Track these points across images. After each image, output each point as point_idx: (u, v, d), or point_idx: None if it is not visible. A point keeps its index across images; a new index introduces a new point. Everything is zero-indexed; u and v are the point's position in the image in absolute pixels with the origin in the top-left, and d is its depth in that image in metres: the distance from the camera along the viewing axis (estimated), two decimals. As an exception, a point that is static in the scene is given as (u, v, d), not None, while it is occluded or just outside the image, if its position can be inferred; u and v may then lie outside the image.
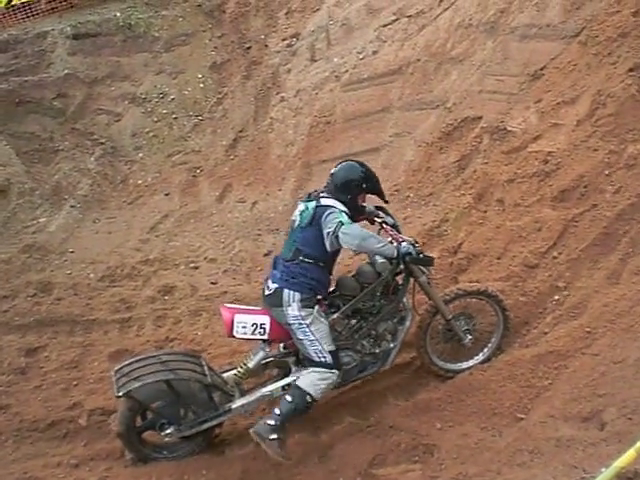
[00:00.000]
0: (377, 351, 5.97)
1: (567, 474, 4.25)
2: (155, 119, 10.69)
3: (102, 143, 10.36)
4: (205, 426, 5.73)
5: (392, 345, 5.98)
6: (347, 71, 9.90)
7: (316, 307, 5.53)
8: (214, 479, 5.60)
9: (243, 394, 5.85)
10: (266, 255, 8.49)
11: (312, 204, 5.51)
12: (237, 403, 5.78)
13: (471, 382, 6.02)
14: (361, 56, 9.93)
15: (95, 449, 6.06)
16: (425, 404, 6.02)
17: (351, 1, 10.79)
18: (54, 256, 8.71)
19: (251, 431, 5.52)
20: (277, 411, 5.52)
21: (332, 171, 5.69)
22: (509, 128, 7.99)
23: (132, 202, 9.89)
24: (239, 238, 8.95)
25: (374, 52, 9.86)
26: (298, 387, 5.54)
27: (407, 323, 5.98)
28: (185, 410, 5.68)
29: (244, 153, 10.05)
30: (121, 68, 10.96)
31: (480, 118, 8.34)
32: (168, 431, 5.69)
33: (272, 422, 5.48)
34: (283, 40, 11.10)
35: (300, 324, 5.50)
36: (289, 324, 5.53)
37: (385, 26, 10.10)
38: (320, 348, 5.52)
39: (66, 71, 10.64)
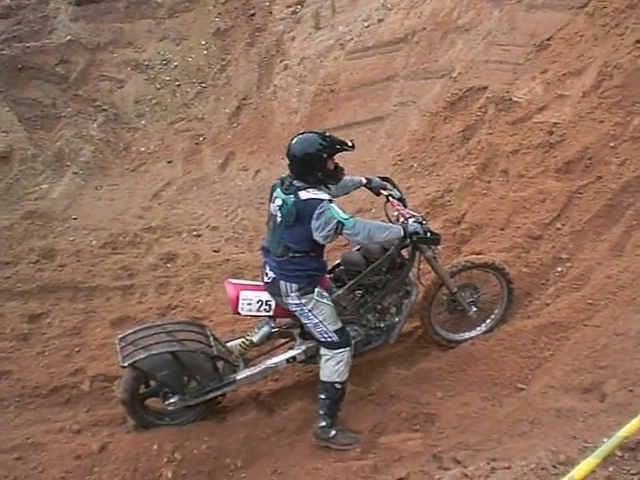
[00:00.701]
0: (382, 325, 5.97)
1: (567, 444, 4.25)
2: (158, 86, 10.63)
3: (105, 110, 10.31)
4: (209, 396, 5.75)
5: (397, 319, 5.97)
6: (352, 39, 9.82)
7: (316, 290, 5.43)
8: (216, 446, 5.62)
9: (247, 365, 5.86)
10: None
11: (291, 199, 5.17)
12: (242, 374, 5.79)
13: (472, 352, 6.04)
14: (366, 24, 9.84)
15: (97, 415, 6.08)
16: (426, 373, 6.04)
17: (357, -32, 10.68)
18: (56, 223, 8.71)
19: (314, 440, 5.60)
20: (321, 411, 5.58)
21: (287, 152, 5.31)
22: (514, 98, 7.94)
23: (135, 169, 9.86)
24: (242, 206, 8.94)
25: (379, 20, 9.78)
26: (323, 382, 5.54)
27: (412, 297, 5.94)
28: (189, 380, 5.69)
29: (247, 121, 10.00)
30: (124, 34, 10.88)
31: (485, 88, 8.29)
32: (172, 400, 5.69)
33: (324, 423, 5.56)
34: (287, 7, 11.00)
35: (302, 310, 5.46)
36: (292, 310, 5.52)
37: (391, -6, 10.01)
38: (325, 329, 5.47)
39: (69, 37, 10.56)
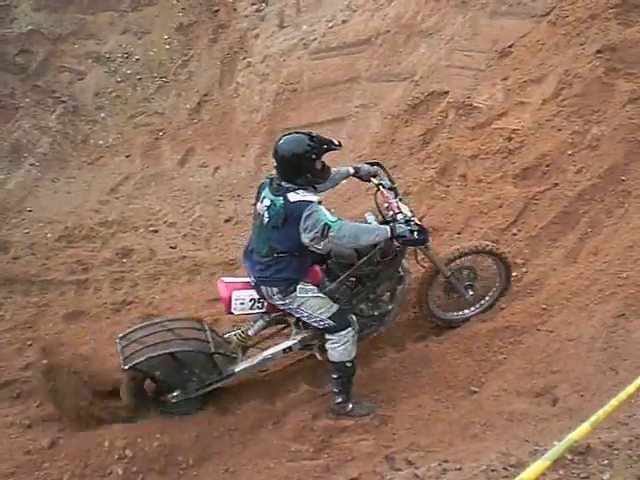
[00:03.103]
0: (376, 313, 6.03)
1: (518, 447, 4.30)
2: (119, 79, 10.49)
3: (64, 101, 10.13)
4: (210, 388, 5.88)
5: (390, 307, 6.05)
6: (316, 39, 9.80)
7: (298, 287, 5.46)
8: (168, 443, 5.59)
9: (245, 354, 5.97)
10: (227, 221, 8.45)
11: (279, 201, 5.18)
12: (240, 366, 5.89)
13: (427, 354, 6.08)
14: (330, 25, 9.83)
15: (48, 410, 5.99)
16: (381, 374, 6.07)
17: (323, -32, 10.68)
18: (11, 214, 8.56)
19: (329, 416, 5.72)
20: (335, 390, 5.70)
21: (274, 153, 5.29)
22: (475, 104, 8.00)
23: (92, 162, 9.71)
24: (200, 203, 8.87)
25: (344, 21, 9.77)
26: (333, 362, 5.62)
27: (406, 283, 6.00)
28: (189, 376, 5.80)
29: (208, 117, 9.91)
30: (86, 26, 10.70)
31: (447, 93, 8.33)
32: (174, 394, 5.81)
33: (339, 399, 5.70)
34: (252, 5, 10.92)
35: (290, 308, 5.54)
36: (282, 309, 5.61)
37: (356, -5, 10.02)
38: (319, 319, 5.53)
39: (30, 27, 10.36)
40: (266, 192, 5.33)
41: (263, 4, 10.89)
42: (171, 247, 8.16)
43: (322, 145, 5.28)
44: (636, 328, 5.37)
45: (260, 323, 5.87)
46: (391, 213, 5.60)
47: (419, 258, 5.98)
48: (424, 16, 9.15)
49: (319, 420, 5.74)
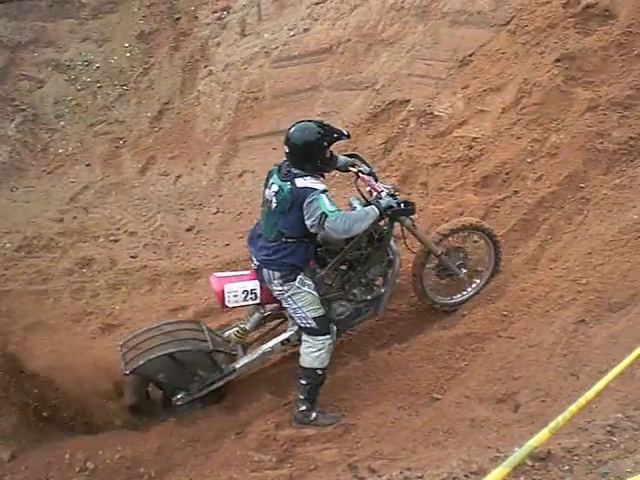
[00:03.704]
0: (369, 297, 6.08)
1: (480, 454, 4.31)
2: (79, 87, 10.38)
3: (23, 110, 10.01)
4: (213, 387, 5.97)
5: (383, 290, 6.09)
6: (277, 47, 9.79)
7: (298, 277, 5.54)
8: (130, 455, 5.53)
9: (245, 351, 6.06)
10: (188, 230, 8.40)
11: (287, 186, 5.34)
12: (240, 362, 5.96)
13: (389, 362, 6.09)
14: (292, 33, 9.83)
15: (10, 422, 5.89)
16: (343, 382, 6.07)
17: (284, -23, 10.68)
18: (-31, 224, 8.44)
19: (293, 425, 5.72)
20: (301, 396, 5.71)
21: (286, 140, 5.44)
22: (436, 112, 8.05)
23: (52, 171, 9.60)
24: (161, 212, 8.80)
25: (305, 30, 9.78)
26: (304, 368, 5.66)
27: (396, 266, 6.03)
28: (192, 376, 5.89)
29: (169, 126, 9.85)
30: (46, 34, 10.59)
31: (408, 101, 8.37)
32: (179, 396, 5.91)
33: (304, 407, 5.70)
34: (213, 13, 10.88)
35: (283, 295, 5.59)
36: (275, 295, 5.67)
37: (317, 4, 10.00)
38: (304, 315, 5.59)
39: (-11, 35, 10.27)
40: (274, 178, 5.50)
41: (224, 12, 10.85)
42: (132, 256, 8.09)
43: (333, 134, 5.51)
44: (596, 334, 5.41)
45: (256, 316, 5.97)
46: (375, 194, 5.74)
47: (408, 242, 6.07)
48: (385, 25, 9.19)
49: (282, 430, 5.70)
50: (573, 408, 2.77)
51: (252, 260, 5.74)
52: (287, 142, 5.41)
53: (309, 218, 5.28)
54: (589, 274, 5.93)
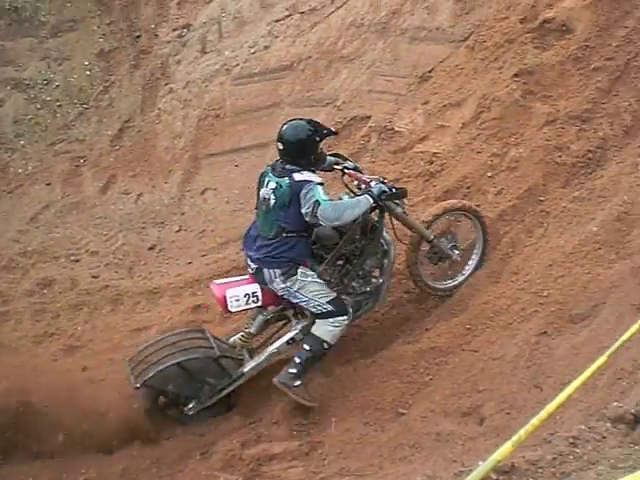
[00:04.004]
0: (368, 289, 6.20)
1: (446, 468, 4.31)
2: (38, 106, 10.27)
3: (-19, 129, 9.92)
4: (223, 393, 6.04)
5: (381, 280, 6.20)
6: (238, 65, 9.79)
7: (299, 271, 5.70)
8: (94, 478, 5.48)
9: (252, 355, 6.13)
10: (150, 249, 8.33)
11: (285, 181, 5.59)
12: (248, 366, 6.04)
13: (354, 378, 6.07)
14: (253, 50, 9.84)
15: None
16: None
17: (245, -6, 10.70)
18: None
19: (275, 380, 5.77)
20: (297, 359, 5.78)
21: (279, 139, 5.71)
22: (396, 128, 8.08)
23: (12, 191, 9.47)
24: (123, 231, 8.71)
25: (266, 47, 9.79)
26: (314, 336, 5.80)
27: (391, 255, 6.18)
28: (201, 384, 5.95)
29: (130, 144, 9.78)
30: (5, 52, 10.47)
31: (369, 117, 8.40)
32: (190, 406, 5.99)
33: (294, 370, 5.76)
34: (174, 30, 10.86)
35: (289, 292, 5.73)
36: (281, 294, 5.80)
37: (278, 21, 10.03)
38: (317, 303, 5.73)
39: (-53, 53, 10.14)
40: (270, 177, 5.73)
41: (185, 30, 10.84)
42: (93, 276, 8.01)
43: (322, 130, 5.84)
44: (558, 345, 5.46)
45: (260, 319, 6.05)
46: (363, 186, 5.94)
47: (398, 234, 6.23)
48: (345, 42, 9.23)
49: (248, 449, 5.68)
50: (535, 421, 2.78)
51: (249, 265, 5.86)
52: (281, 140, 5.69)
53: (303, 206, 5.49)
54: (550, 286, 5.99)
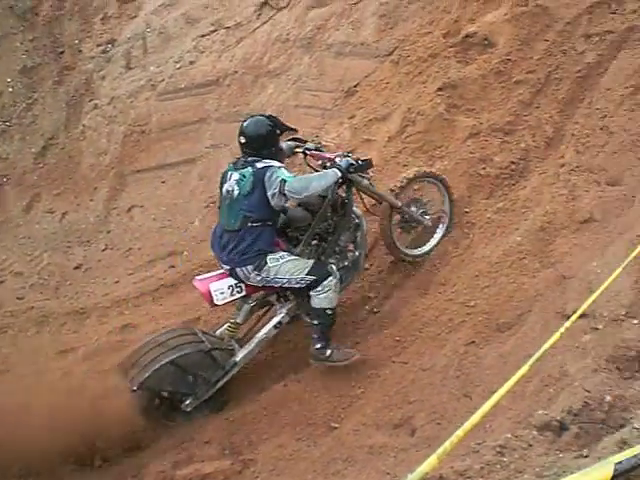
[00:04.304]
0: (346, 263, 6.35)
1: (378, 481, 4.34)
2: (-41, 124, 10.05)
3: None
4: (218, 385, 6.09)
5: (357, 253, 6.38)
6: (163, 80, 9.72)
7: (268, 258, 5.78)
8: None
9: (241, 345, 6.20)
10: (76, 268, 8.18)
11: (248, 170, 5.75)
12: (240, 355, 6.12)
13: (285, 394, 6.04)
14: (178, 65, 9.78)
15: None
16: (240, 418, 5.98)
17: (169, 9, 10.59)
18: None
19: (311, 362, 6.06)
20: (315, 335, 5.98)
21: (241, 133, 5.87)
22: (323, 142, 8.07)
23: None
24: (48, 251, 8.55)
25: (191, 62, 9.74)
26: (315, 309, 5.91)
27: (364, 227, 6.36)
28: (195, 379, 5.97)
29: (54, 161, 9.60)
30: None
31: (295, 132, 8.41)
32: (187, 402, 6.01)
33: (318, 345, 5.96)
34: (98, 46, 10.73)
35: (267, 281, 5.83)
36: (261, 285, 5.91)
37: (203, 36, 10.00)
38: (298, 279, 5.83)
39: None
40: (232, 171, 5.90)
41: (109, 45, 10.72)
42: (18, 298, 7.84)
43: (282, 125, 6.08)
44: (486, 354, 5.53)
45: (245, 308, 6.14)
46: (329, 164, 6.06)
47: (369, 206, 6.50)
48: (271, 57, 9.26)
49: (180, 469, 5.58)
50: (460, 433, 2.81)
51: (222, 266, 5.96)
52: (243, 134, 5.86)
53: (269, 189, 5.63)
54: (477, 296, 6.07)
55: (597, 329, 4.63)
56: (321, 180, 5.74)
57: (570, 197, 6.35)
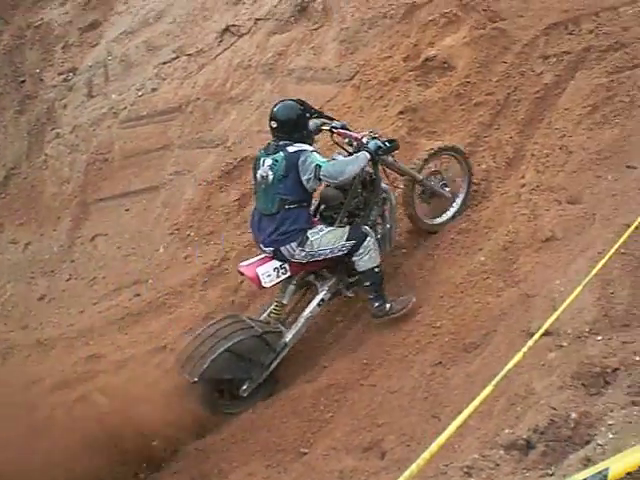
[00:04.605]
0: (378, 237, 6.51)
1: (349, 505, 4.32)
2: None
3: None
4: (271, 368, 6.27)
5: (388, 226, 6.62)
6: (126, 108, 9.70)
7: (309, 234, 6.05)
8: None
9: (287, 327, 6.39)
10: (40, 299, 8.10)
11: (280, 155, 5.97)
12: (289, 336, 6.32)
13: (254, 420, 6.01)
14: (140, 93, 9.77)
15: None
16: (209, 446, 5.94)
17: (130, 37, 10.60)
18: None
19: (374, 320, 6.35)
20: (370, 296, 6.27)
21: (273, 118, 6.12)
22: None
23: None
24: (11, 281, 8.47)
25: (153, 89, 9.74)
26: (363, 272, 6.22)
27: (392, 201, 6.61)
28: (251, 364, 6.16)
29: (16, 191, 9.53)
30: None
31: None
32: (244, 387, 6.18)
33: (376, 303, 6.24)
34: (59, 74, 10.70)
35: (311, 256, 6.10)
36: (304, 263, 6.16)
37: (165, 64, 10.02)
38: (340, 247, 6.13)
39: None
40: (264, 157, 6.13)
41: (71, 74, 10.69)
42: (-19, 330, 7.73)
43: (311, 108, 6.36)
44: (453, 374, 5.54)
45: (290, 289, 6.36)
46: (355, 143, 6.32)
47: (392, 182, 6.75)
48: (233, 83, 9.29)
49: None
50: (426, 455, 2.81)
51: (264, 251, 6.20)
52: (274, 119, 6.11)
53: (304, 174, 5.88)
54: (443, 317, 6.09)
55: (562, 346, 4.65)
56: (354, 164, 6.02)
57: (532, 216, 6.41)
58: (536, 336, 4.18)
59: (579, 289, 4.51)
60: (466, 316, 5.97)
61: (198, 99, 9.35)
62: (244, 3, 9.95)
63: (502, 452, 3.67)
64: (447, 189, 6.94)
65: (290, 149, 5.98)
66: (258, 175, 6.18)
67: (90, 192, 9.12)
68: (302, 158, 5.90)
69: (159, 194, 8.83)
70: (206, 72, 9.58)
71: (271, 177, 6.03)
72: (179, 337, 6.60)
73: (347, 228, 6.23)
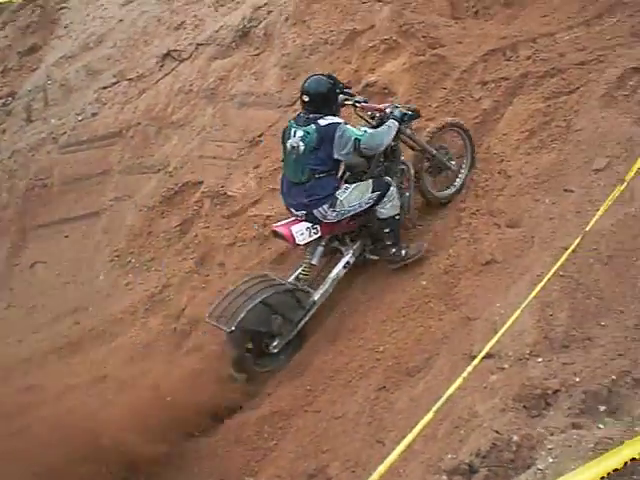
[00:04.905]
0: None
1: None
2: None
3: None
4: (300, 325, 6.54)
5: (407, 194, 6.83)
6: (65, 133, 9.59)
7: (337, 194, 6.35)
8: None
9: (315, 287, 6.64)
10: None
11: (312, 127, 6.20)
12: (317, 295, 6.59)
13: (198, 449, 5.94)
14: (80, 118, 9.67)
15: None
16: (153, 477, 5.84)
17: (70, 61, 10.51)
18: None
19: (390, 267, 6.69)
20: (388, 242, 6.60)
21: (304, 92, 6.33)
22: (229, 193, 8.11)
23: None
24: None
25: (93, 114, 9.65)
26: (384, 219, 6.54)
27: (411, 171, 6.84)
28: (283, 319, 6.37)
29: (-48, 219, 9.34)
30: None
31: (201, 183, 8.40)
32: (275, 344, 6.42)
33: (393, 250, 6.59)
34: (-3, 99, 10.57)
35: (342, 215, 6.42)
36: (335, 222, 6.47)
37: (105, 88, 9.95)
38: (366, 200, 6.45)
39: None
40: (295, 127, 6.37)
41: (9, 98, 10.57)
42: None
43: (340, 83, 6.59)
44: (397, 399, 5.54)
45: (319, 250, 6.63)
46: (379, 114, 6.65)
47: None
48: (174, 108, 9.26)
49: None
50: (371, 481, 2.81)
51: (296, 215, 6.46)
52: (307, 93, 6.33)
53: (343, 149, 6.19)
54: (386, 341, 6.10)
55: (503, 369, 4.70)
56: (390, 133, 6.39)
57: (472, 240, 6.49)
58: (478, 359, 4.22)
59: (519, 312, 4.56)
60: (409, 340, 5.99)
61: (139, 124, 9.29)
62: (185, 28, 9.94)
63: (445, 477, 3.68)
64: (453, 163, 7.14)
65: (322, 122, 6.21)
66: (288, 145, 6.40)
67: (29, 218, 8.98)
68: (338, 133, 6.16)
69: (99, 220, 8.73)
70: (147, 97, 9.53)
71: (302, 148, 6.26)
72: (120, 366, 6.48)
73: (370, 181, 6.49)
